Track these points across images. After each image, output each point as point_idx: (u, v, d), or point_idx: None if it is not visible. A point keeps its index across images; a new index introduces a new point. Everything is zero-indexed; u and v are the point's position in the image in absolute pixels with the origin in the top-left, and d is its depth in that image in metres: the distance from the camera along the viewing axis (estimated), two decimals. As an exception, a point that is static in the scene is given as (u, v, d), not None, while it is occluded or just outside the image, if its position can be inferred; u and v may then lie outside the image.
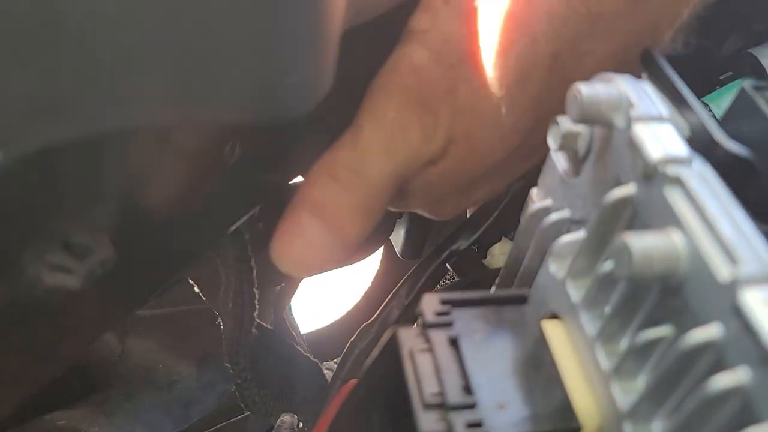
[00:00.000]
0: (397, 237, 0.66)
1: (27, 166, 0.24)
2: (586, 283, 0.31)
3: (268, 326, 0.44)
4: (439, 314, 0.31)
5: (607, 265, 0.28)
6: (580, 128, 0.32)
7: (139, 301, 0.37)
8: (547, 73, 0.37)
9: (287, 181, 0.43)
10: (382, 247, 0.73)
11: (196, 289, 0.45)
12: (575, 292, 0.31)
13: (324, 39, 0.26)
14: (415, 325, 0.37)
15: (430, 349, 0.30)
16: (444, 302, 0.32)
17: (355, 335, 0.48)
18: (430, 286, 0.49)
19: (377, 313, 0.49)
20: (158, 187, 0.31)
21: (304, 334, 0.71)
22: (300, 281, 0.49)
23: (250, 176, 0.38)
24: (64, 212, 0.27)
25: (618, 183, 0.29)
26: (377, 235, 0.54)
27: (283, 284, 0.48)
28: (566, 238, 0.32)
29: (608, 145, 0.30)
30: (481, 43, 0.36)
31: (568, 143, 0.32)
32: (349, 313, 0.74)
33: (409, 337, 0.31)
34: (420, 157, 0.38)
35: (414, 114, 0.36)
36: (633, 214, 0.28)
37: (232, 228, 0.39)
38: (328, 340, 0.71)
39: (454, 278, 0.55)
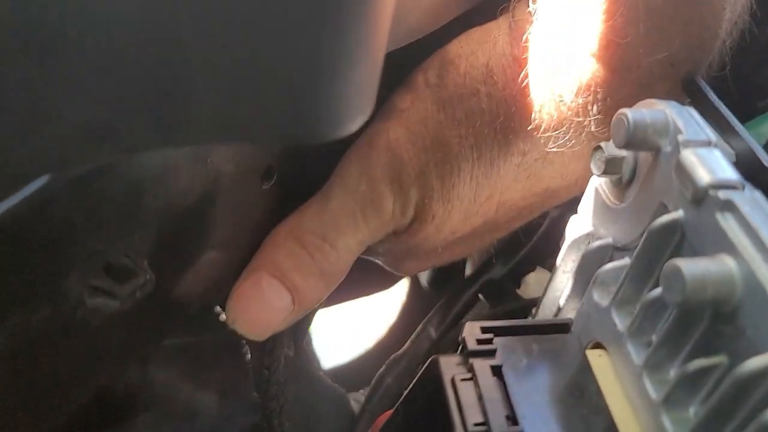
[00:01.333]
0: (424, 267, 0.65)
1: (74, 190, 0.24)
2: (632, 310, 0.30)
3: (291, 354, 0.44)
4: (481, 342, 0.30)
5: (656, 292, 0.28)
6: (625, 153, 0.31)
7: (173, 328, 0.36)
8: (515, 168, 0.38)
9: None
10: (408, 279, 0.72)
11: (222, 317, 0.44)
12: (621, 321, 0.30)
13: (372, 60, 0.26)
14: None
15: (473, 378, 0.29)
16: (486, 330, 0.31)
17: (383, 366, 0.48)
18: (461, 316, 0.48)
19: (407, 344, 0.48)
20: (196, 210, 0.31)
21: (328, 367, 0.70)
22: (316, 311, 0.49)
23: (282, 204, 0.38)
24: (106, 235, 0.27)
25: (665, 209, 0.29)
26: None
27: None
28: (610, 266, 0.32)
29: (654, 170, 0.30)
30: (455, 130, 0.36)
31: (611, 169, 0.32)
32: (373, 347, 0.73)
33: (450, 365, 0.30)
34: (386, 230, 0.39)
35: (387, 190, 0.37)
36: (681, 240, 0.28)
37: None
38: (351, 374, 0.70)
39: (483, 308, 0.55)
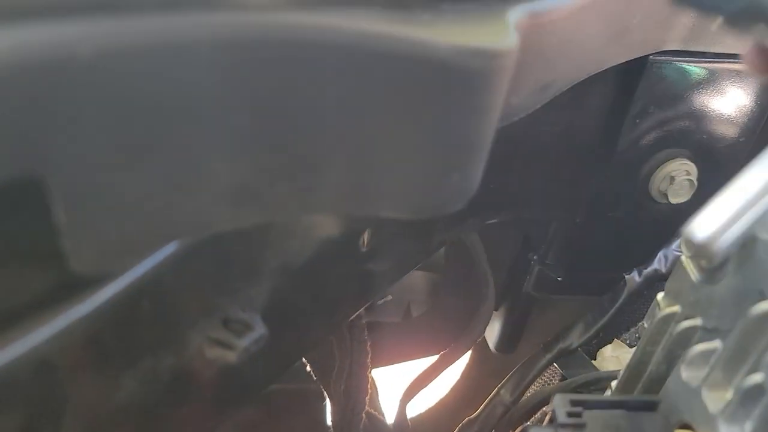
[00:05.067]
0: (491, 331, 0.66)
1: (205, 249, 0.26)
2: (725, 394, 0.30)
3: (377, 413, 0.45)
4: (572, 415, 0.31)
5: (755, 379, 0.28)
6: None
7: (265, 384, 0.38)
8: None
9: (402, 275, 0.44)
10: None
11: (308, 368, 0.46)
12: (713, 403, 0.30)
13: (482, 143, 0.28)
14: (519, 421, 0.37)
15: (564, 451, 0.30)
16: (575, 403, 0.32)
17: (456, 429, 0.48)
18: (534, 384, 0.49)
19: (481, 408, 0.48)
20: (306, 268, 0.33)
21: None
22: (431, 379, 0.49)
23: (377, 265, 0.39)
24: (228, 290, 0.29)
25: (763, 296, 0.29)
26: (475, 329, 0.54)
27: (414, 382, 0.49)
28: (701, 347, 0.32)
29: (750, 257, 0.30)
30: None
31: (703, 252, 0.32)
32: (435, 406, 0.73)
33: (540, 437, 0.31)
34: None
35: None
36: (780, 328, 0.28)
37: (355, 314, 0.40)
38: None
39: (552, 375, 0.55)
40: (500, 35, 0.27)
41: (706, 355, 0.32)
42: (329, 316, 0.37)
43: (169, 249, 0.25)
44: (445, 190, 0.27)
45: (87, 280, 0.22)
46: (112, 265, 0.22)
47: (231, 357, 0.28)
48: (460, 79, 0.26)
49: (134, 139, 0.20)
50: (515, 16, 0.29)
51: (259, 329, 0.29)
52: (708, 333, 0.33)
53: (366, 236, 0.37)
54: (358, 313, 0.41)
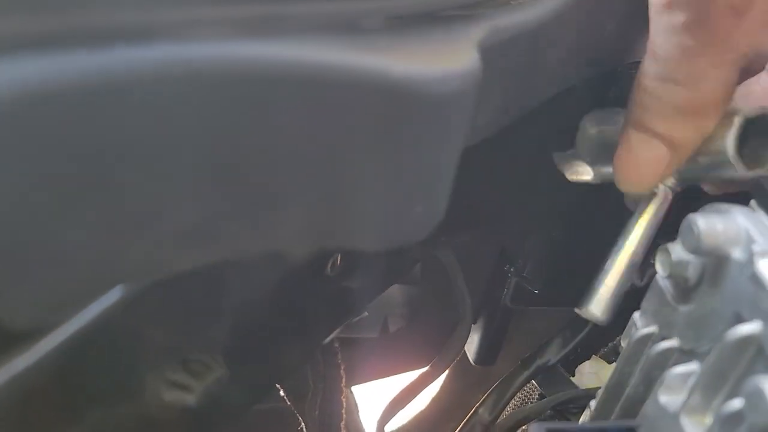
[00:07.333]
0: (470, 343, 0.65)
1: (158, 290, 0.25)
2: (705, 419, 0.29)
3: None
4: (548, 445, 0.30)
5: (735, 404, 0.27)
6: (692, 257, 0.31)
7: (236, 417, 0.37)
8: None
9: (376, 294, 0.43)
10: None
11: (281, 393, 0.44)
12: (692, 429, 0.29)
13: (446, 172, 0.27)
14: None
15: (540, 483, 0.29)
16: (551, 432, 0.31)
17: (435, 449, 0.47)
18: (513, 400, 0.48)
19: (459, 427, 0.47)
20: (268, 302, 0.32)
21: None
22: (409, 400, 0.48)
23: (349, 286, 0.38)
24: (185, 331, 0.27)
25: (739, 319, 0.28)
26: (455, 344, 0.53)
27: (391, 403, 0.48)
28: (678, 370, 0.31)
29: (724, 277, 0.30)
30: None
31: (677, 272, 0.32)
32: (415, 419, 0.72)
33: (516, 469, 0.30)
34: None
35: None
36: (758, 353, 0.27)
37: (327, 339, 0.39)
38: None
39: (531, 391, 0.54)
40: (462, 57, 0.26)
41: (684, 378, 0.31)
42: (302, 341, 0.36)
43: (117, 292, 0.24)
44: (409, 220, 0.26)
45: (23, 335, 0.21)
46: (51, 319, 0.21)
47: (190, 399, 0.27)
48: (418, 105, 0.24)
49: (68, 186, 0.19)
50: (478, 35, 0.28)
51: (218, 369, 0.27)
52: (685, 355, 0.32)
53: (335, 259, 0.36)
54: (332, 336, 0.40)
